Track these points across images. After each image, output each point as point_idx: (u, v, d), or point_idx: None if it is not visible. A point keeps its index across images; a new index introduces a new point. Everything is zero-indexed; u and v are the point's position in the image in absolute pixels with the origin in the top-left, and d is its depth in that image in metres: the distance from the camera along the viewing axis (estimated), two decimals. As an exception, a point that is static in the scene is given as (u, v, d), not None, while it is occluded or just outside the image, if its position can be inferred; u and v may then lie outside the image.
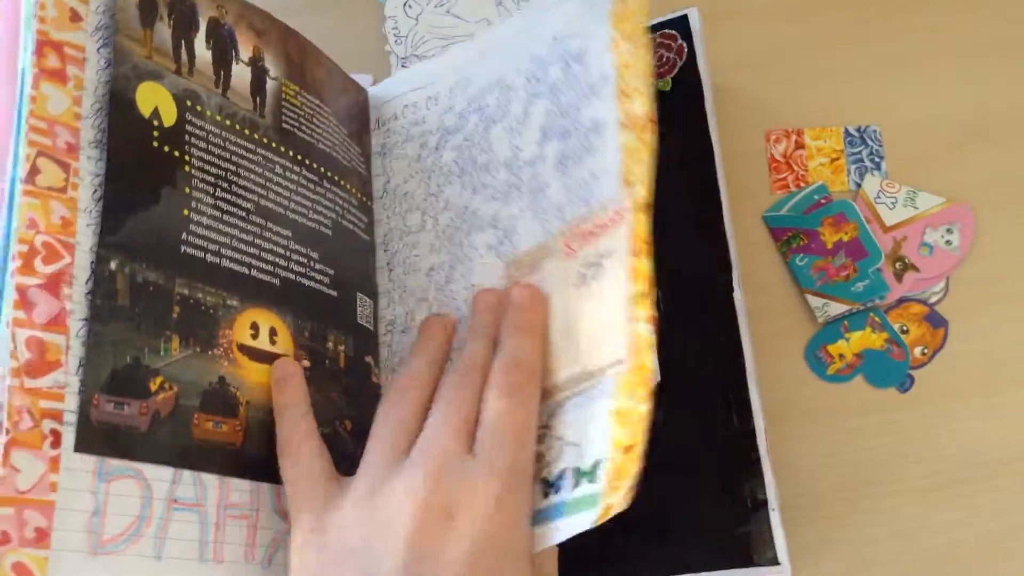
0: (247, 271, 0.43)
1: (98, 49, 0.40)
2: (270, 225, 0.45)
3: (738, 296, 0.48)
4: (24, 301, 0.35)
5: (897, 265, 0.52)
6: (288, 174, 0.46)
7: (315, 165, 0.48)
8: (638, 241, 0.38)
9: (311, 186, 0.48)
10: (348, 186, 0.50)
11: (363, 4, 0.65)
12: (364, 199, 0.51)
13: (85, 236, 0.37)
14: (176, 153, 0.41)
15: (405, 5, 0.64)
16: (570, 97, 0.44)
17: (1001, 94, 0.55)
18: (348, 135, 0.52)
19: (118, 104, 0.40)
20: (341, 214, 0.49)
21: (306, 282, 0.46)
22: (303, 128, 0.48)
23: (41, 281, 0.36)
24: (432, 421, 0.39)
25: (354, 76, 0.60)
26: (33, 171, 0.36)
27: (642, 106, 0.41)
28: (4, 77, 0.38)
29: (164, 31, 0.43)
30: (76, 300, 0.37)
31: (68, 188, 0.37)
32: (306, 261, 0.46)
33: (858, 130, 0.55)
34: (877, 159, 0.55)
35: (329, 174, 0.49)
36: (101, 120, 0.39)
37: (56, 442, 0.35)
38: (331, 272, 0.47)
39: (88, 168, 0.38)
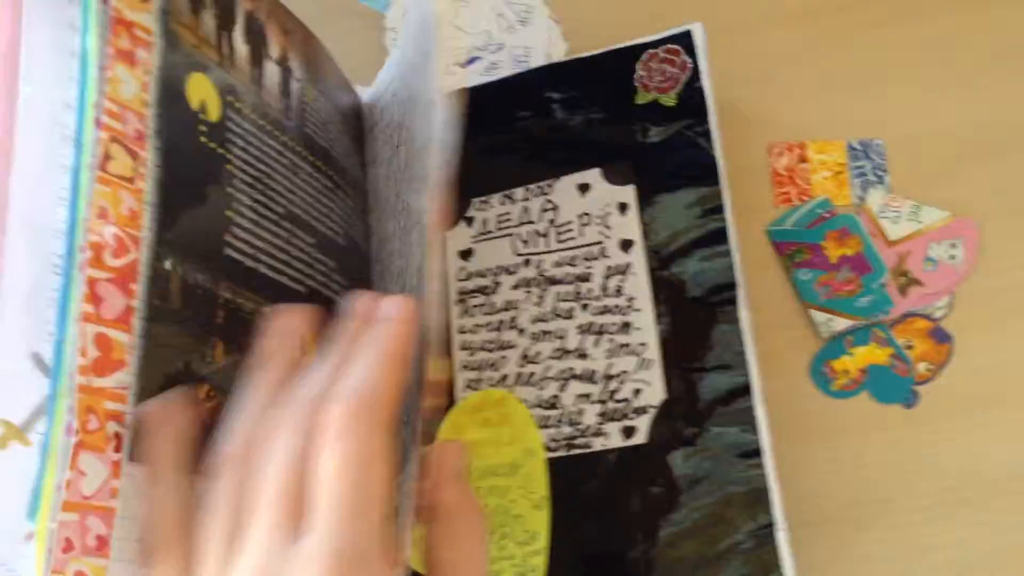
0: (279, 277, 0.42)
1: (162, 34, 0.38)
2: (297, 231, 0.44)
3: (743, 314, 0.47)
4: (94, 295, 0.34)
5: (901, 280, 0.52)
6: (311, 180, 0.45)
7: (330, 172, 0.47)
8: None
9: (328, 193, 0.47)
10: (353, 195, 0.50)
11: (365, 15, 0.65)
12: (363, 209, 0.51)
13: (148, 231, 0.36)
14: (220, 150, 0.40)
15: (405, 16, 0.64)
16: (431, 65, 0.41)
17: (1006, 106, 0.55)
18: (351, 144, 0.51)
19: (171, 94, 0.38)
20: (350, 224, 0.48)
21: (325, 292, 0.45)
22: (320, 134, 0.47)
23: (110, 275, 0.34)
24: (255, 496, 0.32)
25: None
26: (106, 157, 0.35)
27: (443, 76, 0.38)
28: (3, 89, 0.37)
29: (209, 20, 0.41)
30: (139, 298, 0.35)
31: (136, 179, 0.36)
32: (326, 271, 0.45)
33: (861, 143, 0.55)
34: (880, 173, 0.55)
35: (340, 183, 0.48)
36: (161, 109, 0.37)
37: (118, 446, 0.34)
38: (345, 283, 0.46)
39: (152, 159, 0.37)
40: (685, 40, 0.52)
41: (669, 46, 0.52)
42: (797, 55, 0.58)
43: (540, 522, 0.47)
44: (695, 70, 0.52)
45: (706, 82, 0.51)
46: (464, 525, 0.35)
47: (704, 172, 0.50)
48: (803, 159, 0.56)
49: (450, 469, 0.36)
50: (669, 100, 0.52)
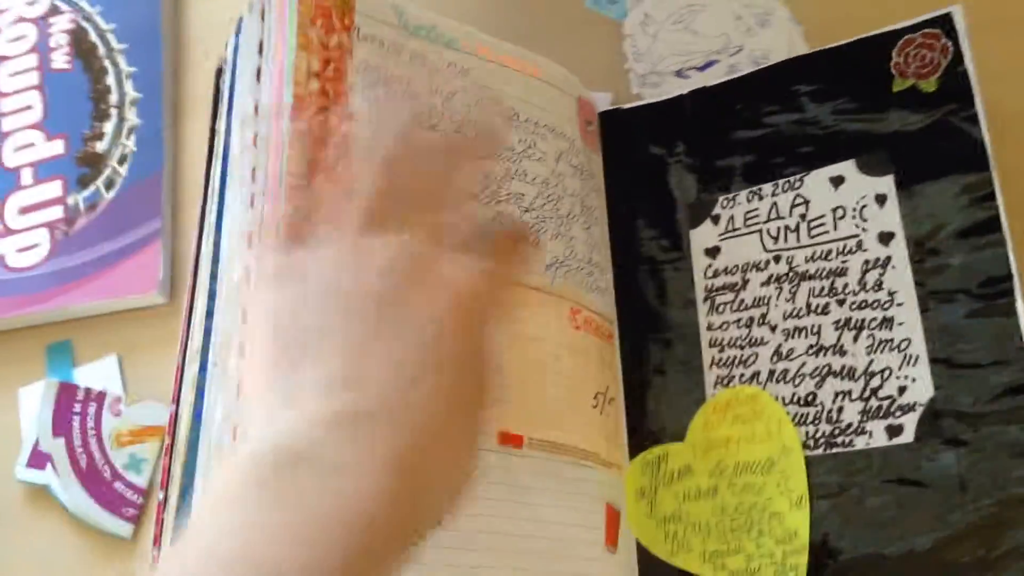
0: None
1: None
2: None
3: (1021, 305, 0.44)
4: None
5: None
6: None
7: None
8: None
9: None
10: None
11: (604, 23, 0.66)
12: None
13: None
14: None
15: (643, 23, 0.65)
16: None
17: None
18: None
19: None
20: None
21: None
22: None
23: None
24: None
25: (594, 94, 0.61)
26: None
27: None
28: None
29: None
30: None
31: None
32: None
33: None
34: None
35: None
36: None
37: None
38: None
39: None
40: (945, 23, 0.50)
41: (927, 30, 0.50)
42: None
43: (800, 520, 0.46)
44: (957, 53, 0.49)
45: (970, 65, 0.49)
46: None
47: (972, 158, 0.47)
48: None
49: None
50: (929, 86, 0.50)
